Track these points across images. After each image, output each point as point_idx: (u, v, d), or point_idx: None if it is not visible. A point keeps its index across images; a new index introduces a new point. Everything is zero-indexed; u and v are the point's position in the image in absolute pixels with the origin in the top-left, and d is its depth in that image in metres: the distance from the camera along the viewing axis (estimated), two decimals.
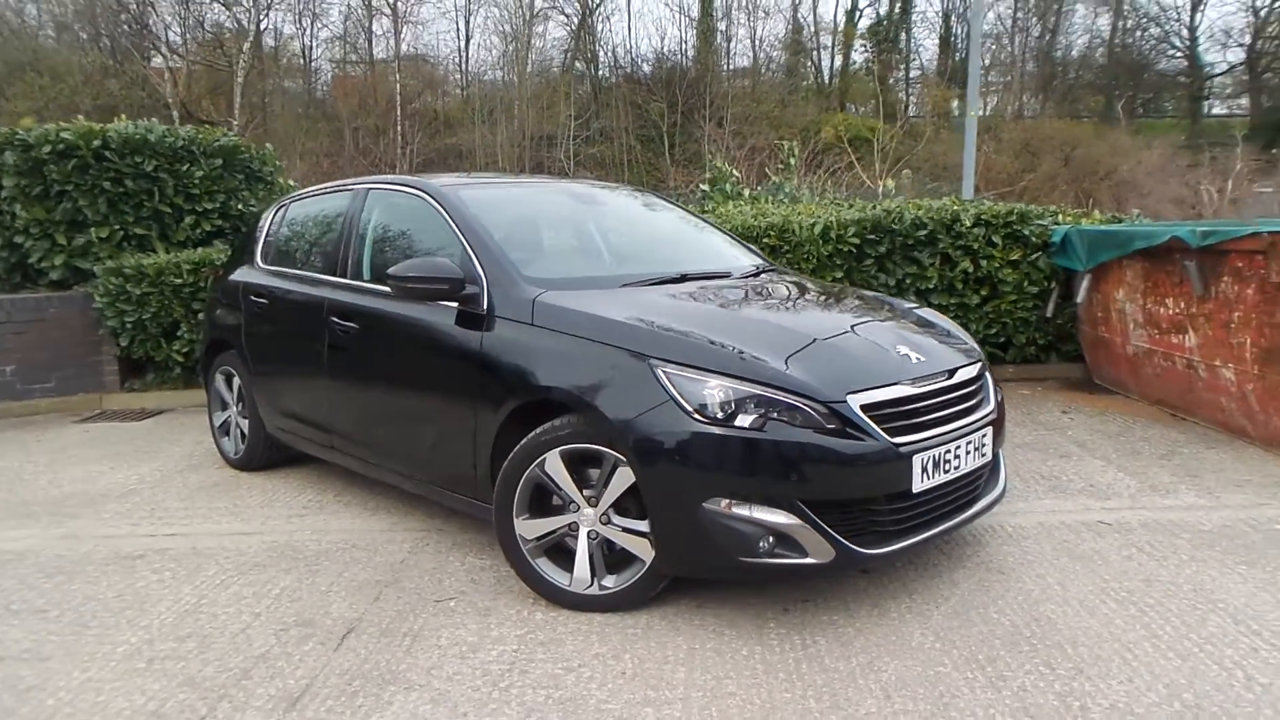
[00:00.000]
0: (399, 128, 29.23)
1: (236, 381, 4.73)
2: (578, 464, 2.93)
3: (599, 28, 35.24)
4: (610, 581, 2.93)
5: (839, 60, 37.00)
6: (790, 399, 2.68)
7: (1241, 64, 34.90)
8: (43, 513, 4.21)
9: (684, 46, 34.22)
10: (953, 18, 36.99)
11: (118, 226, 6.93)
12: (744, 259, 4.13)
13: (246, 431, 4.68)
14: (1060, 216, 6.69)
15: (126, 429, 6.04)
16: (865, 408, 2.74)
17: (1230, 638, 2.67)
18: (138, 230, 6.98)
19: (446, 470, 3.43)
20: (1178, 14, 35.84)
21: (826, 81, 36.44)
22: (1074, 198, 24.72)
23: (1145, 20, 36.37)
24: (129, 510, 4.20)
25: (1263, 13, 34.34)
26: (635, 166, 29.73)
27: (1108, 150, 28.46)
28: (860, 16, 36.70)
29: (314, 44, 35.83)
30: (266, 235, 4.76)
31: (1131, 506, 3.84)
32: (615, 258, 3.90)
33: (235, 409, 4.80)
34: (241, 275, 4.75)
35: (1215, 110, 36.86)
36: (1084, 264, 6.00)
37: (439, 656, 2.69)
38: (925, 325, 3.47)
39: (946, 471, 2.91)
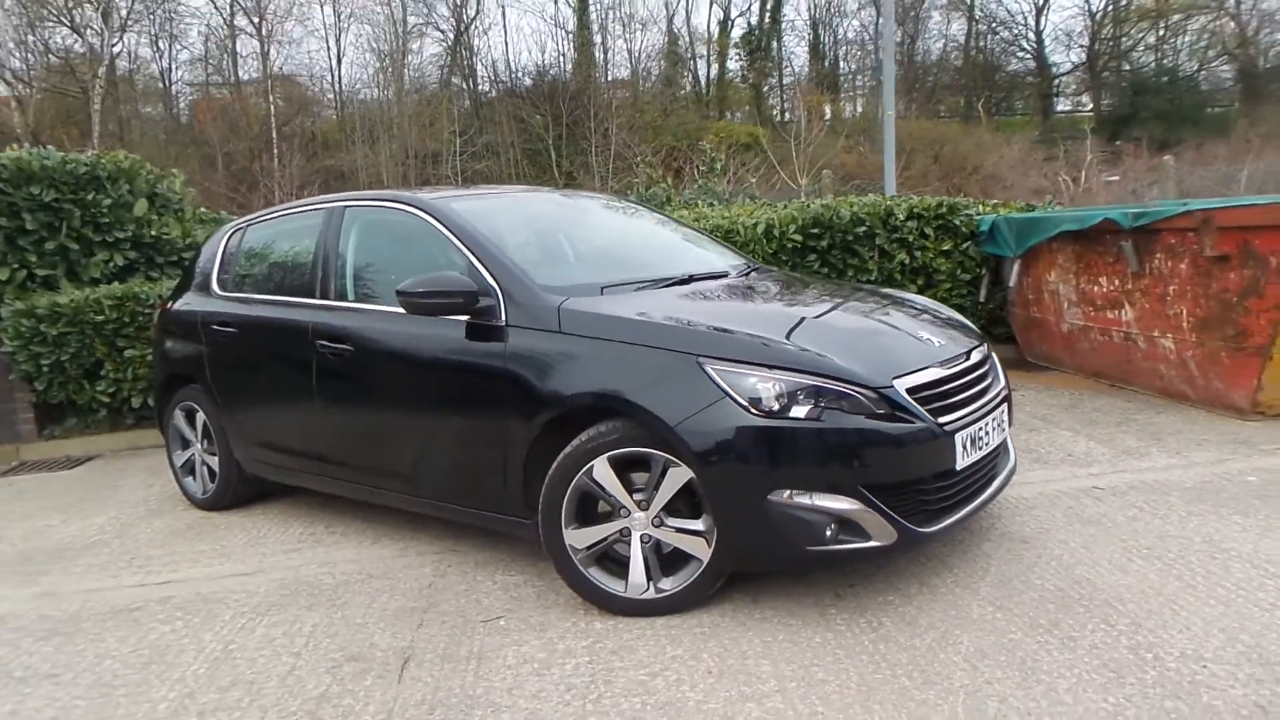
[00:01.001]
0: (275, 150, 28.19)
1: (200, 417, 4.47)
2: (623, 468, 2.91)
3: (476, 43, 34.98)
4: (667, 584, 2.91)
5: (715, 69, 37.80)
6: (841, 387, 2.73)
7: (1083, 64, 37.48)
8: (5, 572, 3.88)
9: (562, 60, 34.34)
10: (820, 26, 38.38)
11: (17, 265, 6.46)
12: (731, 258, 4.18)
13: (216, 469, 4.42)
14: (980, 207, 7.04)
15: (57, 479, 5.62)
16: (909, 391, 2.82)
17: (1257, 582, 2.86)
18: (40, 271, 6.51)
19: (471, 487, 3.34)
20: (1024, 18, 38.28)
21: (705, 90, 37.15)
22: (946, 191, 26.01)
23: (995, 24, 38.65)
24: (104, 562, 3.91)
25: (1098, 16, 37.11)
26: (524, 181, 29.55)
27: (973, 147, 30.06)
28: (732, 26, 37.62)
29: (174, 66, 34.28)
30: (222, 261, 4.52)
31: (1114, 471, 4.06)
32: (616, 262, 3.87)
33: (199, 446, 4.53)
34: (198, 305, 4.50)
35: (1061, 107, 39.50)
36: (1013, 250, 6.33)
37: (513, 676, 2.62)
38: (930, 312, 3.60)
39: (980, 448, 3.03)
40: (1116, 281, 5.44)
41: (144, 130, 31.45)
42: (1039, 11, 37.55)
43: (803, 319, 3.12)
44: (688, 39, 37.54)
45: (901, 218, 6.64)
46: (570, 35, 34.31)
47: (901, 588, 3.02)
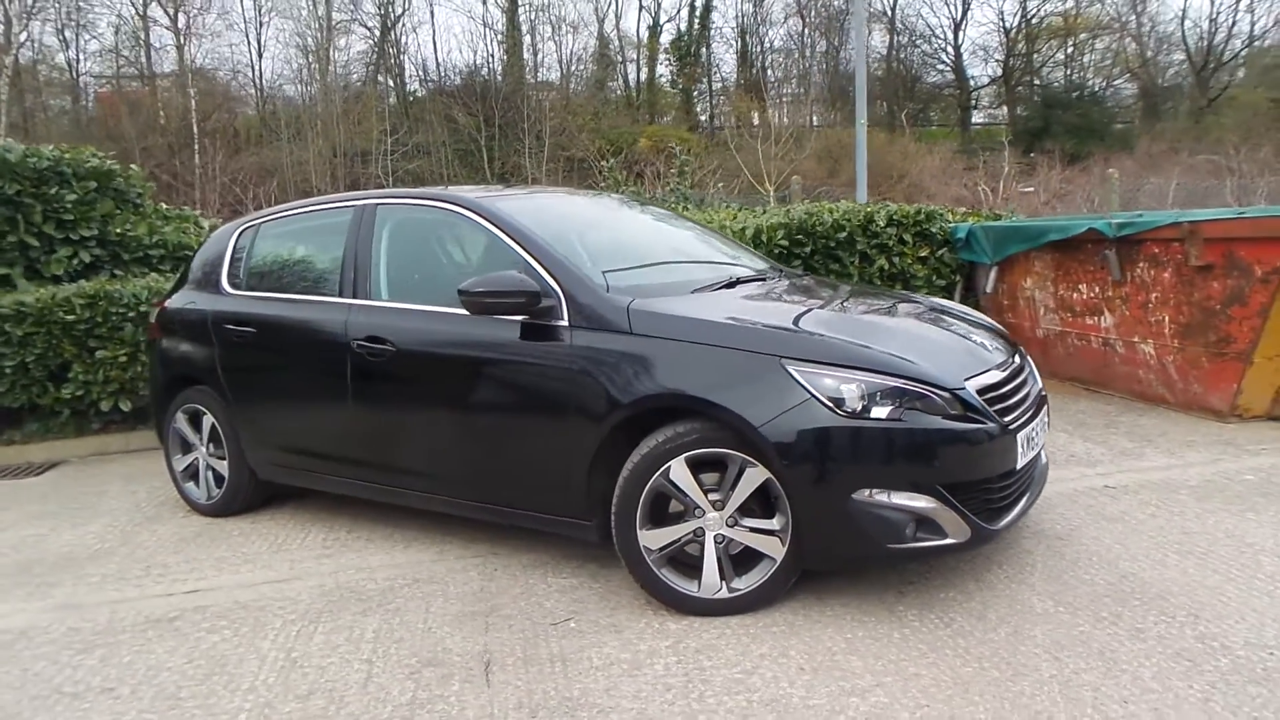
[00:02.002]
0: (197, 146, 27.21)
1: (207, 420, 4.30)
2: (694, 468, 2.93)
3: (404, 40, 34.42)
4: (740, 583, 2.94)
5: (645, 74, 37.98)
6: (919, 388, 2.81)
7: (1000, 78, 38.96)
8: (9, 584, 3.67)
9: (491, 61, 34.07)
10: (748, 35, 38.93)
11: None
12: (757, 261, 4.24)
13: (226, 474, 4.26)
14: (950, 215, 7.28)
15: (27, 487, 5.34)
16: (979, 392, 2.92)
17: None
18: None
19: (526, 489, 3.32)
20: (944, 33, 39.60)
21: (635, 95, 37.28)
22: (873, 198, 26.70)
23: (916, 38, 39.87)
24: (118, 571, 3.74)
25: (1012, 33, 38.66)
26: (455, 182, 29.19)
27: (899, 155, 30.89)
28: (661, 31, 37.87)
29: (81, 58, 32.79)
30: (232, 259, 4.37)
31: (1118, 471, 4.26)
32: (661, 263, 3.86)
33: (203, 450, 4.37)
34: (206, 304, 4.33)
35: (977, 119, 40.96)
36: (990, 257, 6.55)
37: (605, 678, 2.61)
38: (971, 317, 3.71)
39: (1033, 447, 3.14)
40: (1096, 289, 5.69)
41: (49, 123, 29.99)
42: (957, 26, 38.93)
43: (869, 321, 3.20)
44: (618, 43, 37.69)
45: (881, 224, 6.81)
46: (500, 36, 34.07)
47: (958, 584, 3.11)
